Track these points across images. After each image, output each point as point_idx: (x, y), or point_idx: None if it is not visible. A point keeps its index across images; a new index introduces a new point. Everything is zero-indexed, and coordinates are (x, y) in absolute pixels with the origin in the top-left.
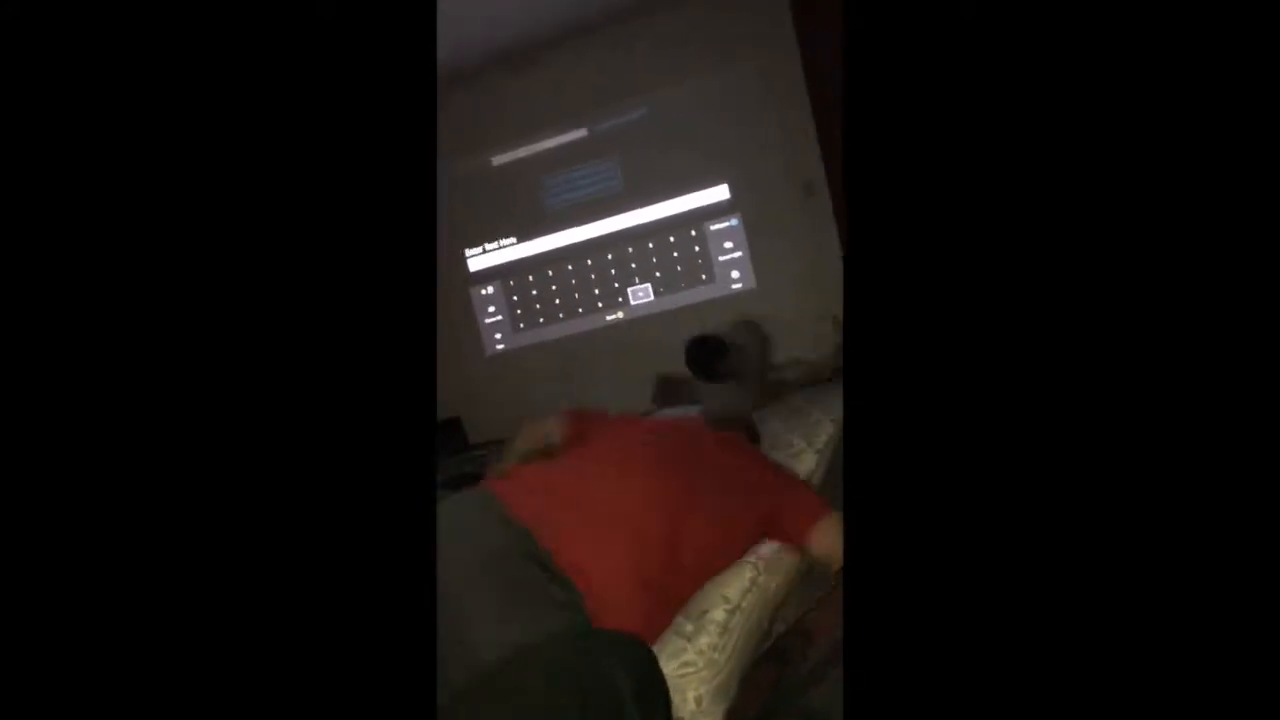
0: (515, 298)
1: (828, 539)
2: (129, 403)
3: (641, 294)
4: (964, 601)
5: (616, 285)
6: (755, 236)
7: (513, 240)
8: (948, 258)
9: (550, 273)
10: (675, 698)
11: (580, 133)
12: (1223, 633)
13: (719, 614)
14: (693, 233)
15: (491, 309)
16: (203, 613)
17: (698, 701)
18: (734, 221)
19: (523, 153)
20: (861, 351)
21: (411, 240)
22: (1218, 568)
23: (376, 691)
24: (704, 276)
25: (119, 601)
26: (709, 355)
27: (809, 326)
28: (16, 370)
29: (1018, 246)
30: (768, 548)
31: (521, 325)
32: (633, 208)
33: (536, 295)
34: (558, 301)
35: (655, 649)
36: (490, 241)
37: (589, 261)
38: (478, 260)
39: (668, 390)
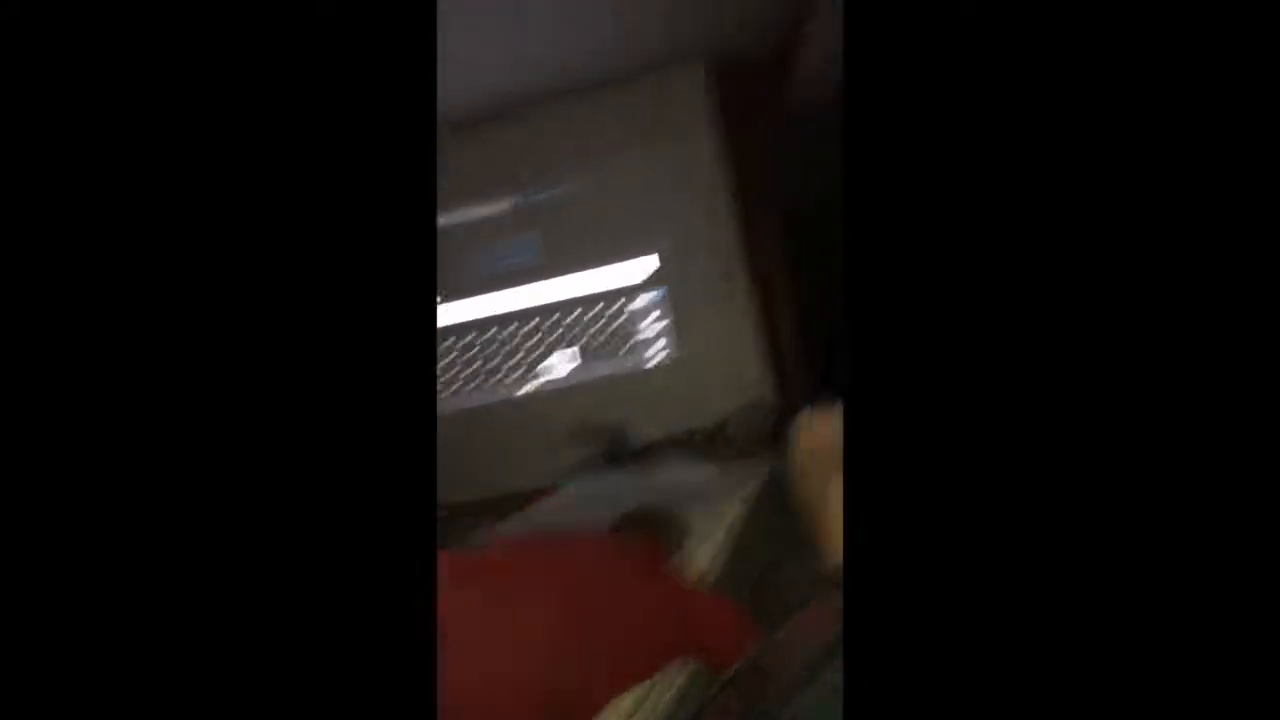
0: None
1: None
2: (128, 413)
3: (562, 365)
4: (962, 608)
5: (538, 354)
6: (677, 313)
7: None
8: (946, 265)
9: (470, 338)
10: None
11: (505, 204)
12: (1223, 633)
13: None
14: (614, 307)
15: None
16: (205, 623)
17: None
18: (656, 295)
19: (446, 220)
20: (861, 353)
21: (410, 262)
22: (1216, 568)
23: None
24: (623, 351)
25: (121, 609)
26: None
27: (729, 403)
28: (14, 374)
29: (1017, 253)
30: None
31: (437, 394)
32: (555, 278)
33: (453, 363)
34: (475, 368)
35: None
36: None
37: (511, 329)
38: None
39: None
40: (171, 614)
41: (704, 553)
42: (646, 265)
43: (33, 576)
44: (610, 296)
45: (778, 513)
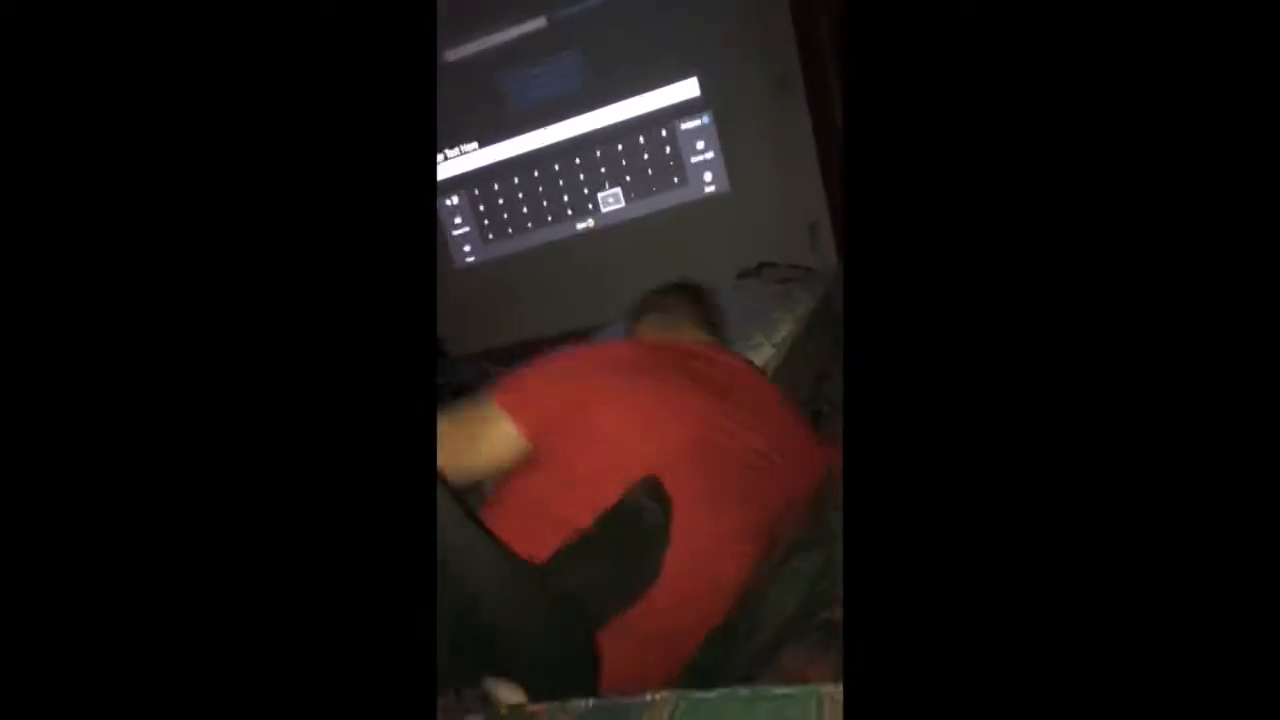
0: (482, 207)
1: None
2: (118, 374)
3: (612, 200)
4: (964, 603)
5: (586, 191)
6: (727, 136)
7: (474, 145)
8: (949, 258)
9: (516, 180)
10: None
11: (539, 22)
12: (1223, 633)
13: None
14: (663, 133)
15: (458, 220)
16: (196, 605)
17: None
18: (705, 120)
19: (477, 46)
20: (861, 354)
21: (411, 233)
22: (1217, 569)
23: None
24: (676, 180)
25: (117, 595)
26: None
27: (784, 231)
28: (11, 373)
29: (1021, 246)
30: None
31: (491, 236)
32: (598, 106)
33: (504, 204)
34: (526, 210)
35: None
36: (450, 147)
37: (556, 167)
38: (440, 168)
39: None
40: (158, 582)
41: (758, 358)
42: (695, 83)
43: (26, 567)
44: (658, 119)
45: (828, 330)
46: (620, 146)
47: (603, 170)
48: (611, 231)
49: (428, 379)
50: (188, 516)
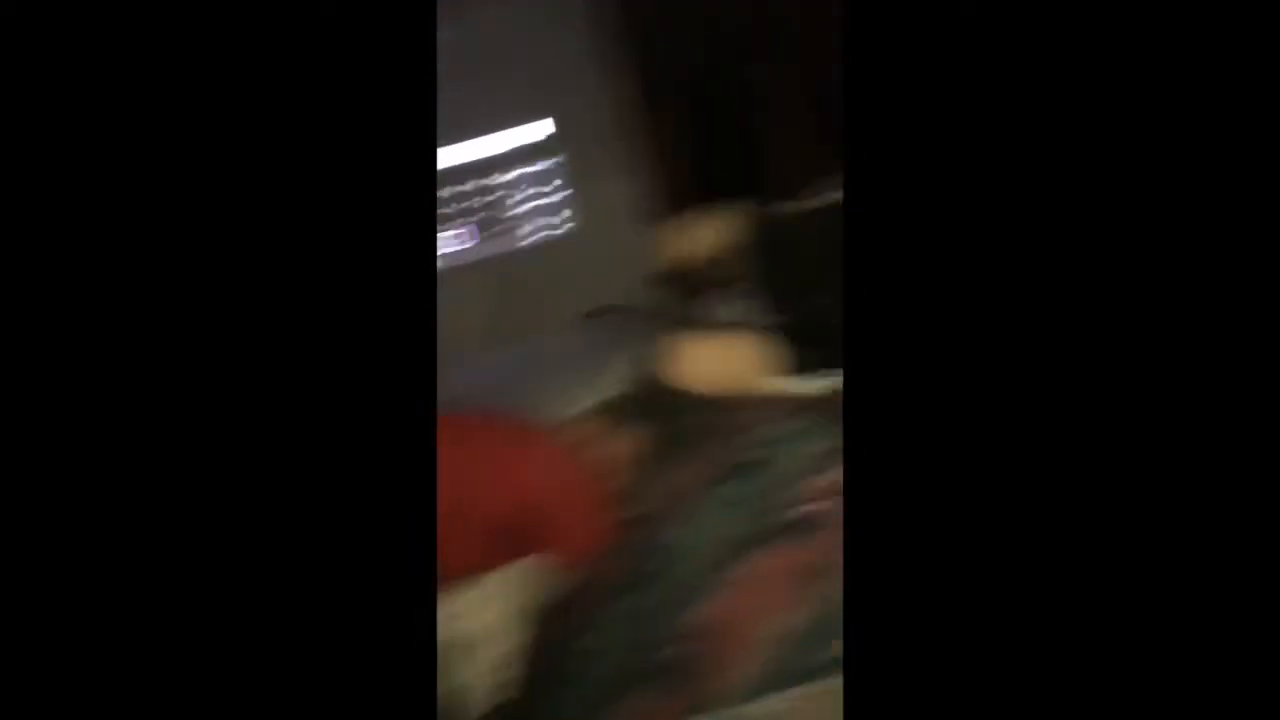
0: None
1: None
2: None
3: (456, 243)
4: (965, 609)
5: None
6: (579, 178)
7: None
8: (949, 258)
9: None
10: None
11: None
12: (1223, 634)
13: None
14: (513, 174)
15: None
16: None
17: None
18: (559, 160)
19: None
20: (862, 355)
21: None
22: (1218, 570)
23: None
24: (527, 223)
25: (115, 598)
26: None
27: (634, 277)
28: (8, 371)
29: (1020, 248)
30: None
31: None
32: (447, 144)
33: None
34: None
35: None
36: None
37: None
38: None
39: None
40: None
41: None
42: (550, 123)
43: (22, 567)
44: (508, 160)
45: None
46: (469, 186)
47: (450, 209)
48: (458, 272)
49: (428, 379)
50: (192, 522)
